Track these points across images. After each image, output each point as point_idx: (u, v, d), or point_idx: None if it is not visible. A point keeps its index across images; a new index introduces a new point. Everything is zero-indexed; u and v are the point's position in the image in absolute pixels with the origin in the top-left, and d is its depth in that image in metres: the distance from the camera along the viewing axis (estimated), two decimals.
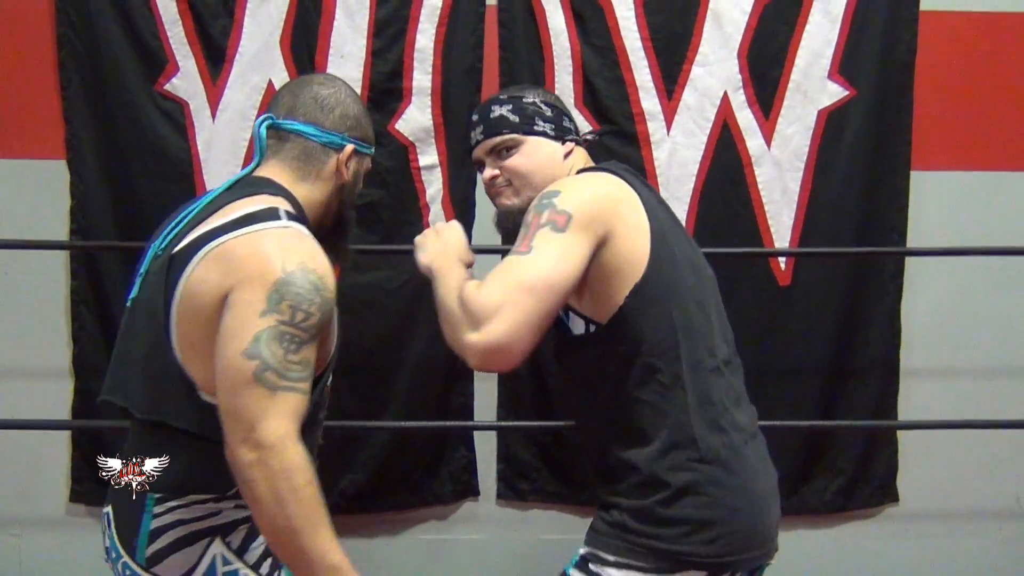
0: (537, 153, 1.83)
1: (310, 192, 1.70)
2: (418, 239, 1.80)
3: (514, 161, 1.83)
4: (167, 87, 2.94)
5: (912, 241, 3.10)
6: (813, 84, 3.03)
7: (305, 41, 2.95)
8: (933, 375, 3.17)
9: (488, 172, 1.87)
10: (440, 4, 2.95)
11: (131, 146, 2.94)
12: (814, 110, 3.04)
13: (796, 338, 3.09)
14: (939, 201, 3.13)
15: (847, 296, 3.11)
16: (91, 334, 3.00)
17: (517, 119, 1.84)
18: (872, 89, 3.04)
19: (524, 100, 1.86)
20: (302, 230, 1.59)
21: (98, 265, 2.98)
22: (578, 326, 1.67)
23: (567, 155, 1.85)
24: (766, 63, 3.03)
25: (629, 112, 3.00)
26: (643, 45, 3.00)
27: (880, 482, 3.17)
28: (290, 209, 1.62)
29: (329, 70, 2.93)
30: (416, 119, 2.99)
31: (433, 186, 3.02)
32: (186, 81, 2.95)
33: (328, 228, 1.75)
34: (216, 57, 2.94)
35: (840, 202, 3.07)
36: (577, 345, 1.69)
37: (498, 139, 1.84)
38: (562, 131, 1.86)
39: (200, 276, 1.52)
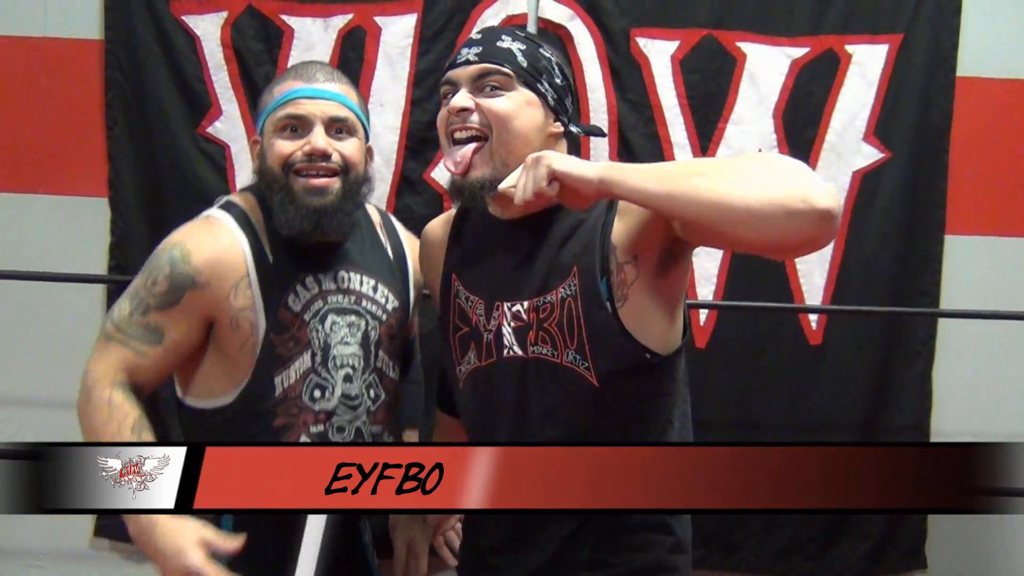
0: (526, 113, 1.52)
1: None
2: (547, 160, 1.40)
3: (502, 105, 1.50)
4: (209, 130, 3.00)
5: (944, 306, 3.08)
6: (848, 145, 3.04)
7: None
8: (965, 440, 3.14)
9: (461, 100, 1.52)
10: None
11: (172, 186, 3.00)
12: (849, 171, 3.05)
13: (826, 399, 3.06)
14: (973, 266, 3.12)
15: (878, 358, 3.09)
16: None
17: (526, 63, 1.53)
18: (907, 152, 3.05)
19: (540, 50, 1.57)
20: (213, 216, 1.71)
21: None
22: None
23: (551, 136, 1.56)
24: (801, 123, 3.05)
25: None
26: (679, 102, 3.03)
27: (908, 547, 3.12)
28: (236, 200, 1.75)
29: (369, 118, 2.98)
30: None
31: None
32: (228, 125, 3.00)
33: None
34: (259, 103, 3.00)
35: (873, 264, 3.06)
36: (642, 371, 1.49)
37: (493, 68, 1.51)
38: (561, 107, 1.57)
39: None
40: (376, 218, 1.91)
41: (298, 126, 1.67)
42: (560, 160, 1.39)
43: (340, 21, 2.98)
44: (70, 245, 3.05)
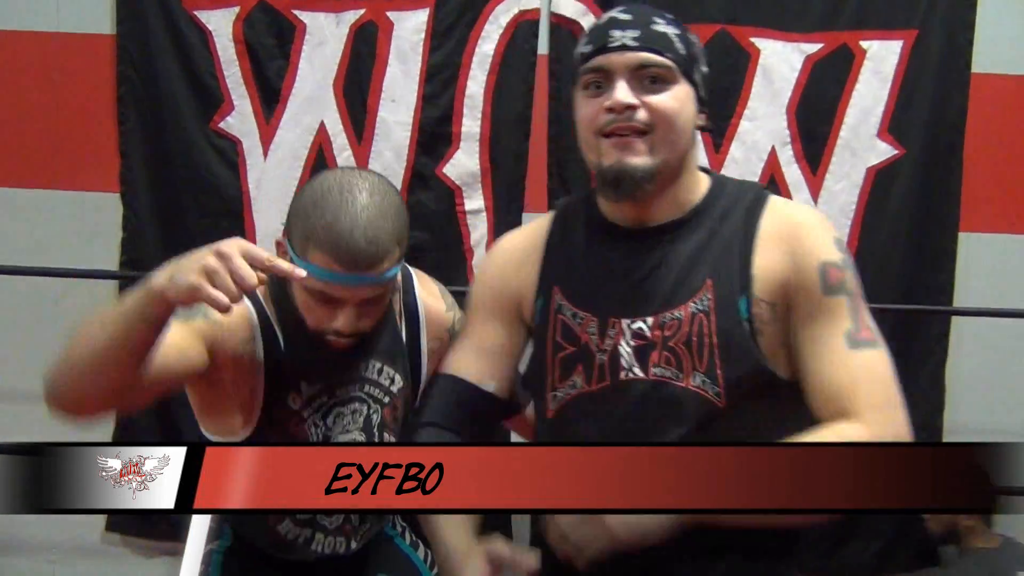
0: (687, 109, 1.36)
1: None
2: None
3: (668, 103, 1.33)
4: (221, 125, 3.00)
5: (958, 303, 3.07)
6: (862, 142, 3.03)
7: (358, 85, 3.00)
8: (977, 437, 3.12)
9: (626, 96, 1.32)
10: (491, 52, 2.99)
11: (184, 181, 3.01)
12: (862, 167, 3.04)
13: None
14: (987, 263, 3.11)
15: (891, 355, 3.06)
16: None
17: (684, 52, 1.36)
18: (921, 149, 3.03)
19: (689, 36, 1.39)
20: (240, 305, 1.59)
21: None
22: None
23: (696, 129, 1.41)
24: (815, 119, 3.03)
25: None
26: None
27: (921, 545, 3.11)
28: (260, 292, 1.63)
29: (380, 114, 2.98)
30: (464, 164, 3.02)
31: (478, 230, 3.04)
32: (240, 120, 3.01)
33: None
34: (270, 98, 3.00)
35: (886, 260, 3.05)
36: (769, 392, 1.37)
37: (658, 60, 1.33)
38: (707, 100, 1.41)
39: None
40: None
41: (330, 300, 1.54)
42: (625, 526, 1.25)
43: (352, 16, 2.98)
44: (82, 240, 3.05)
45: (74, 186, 3.07)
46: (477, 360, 1.54)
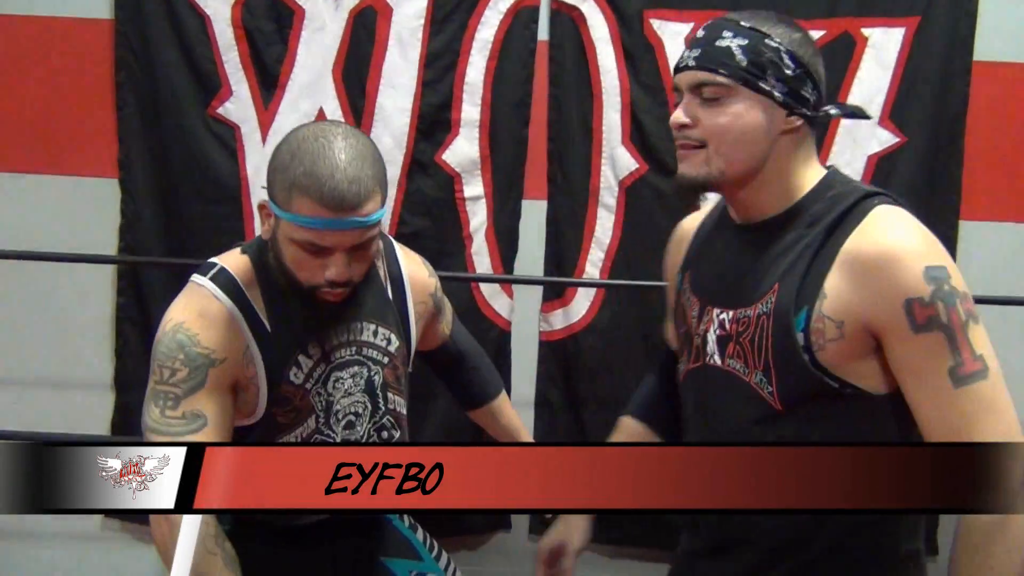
0: (744, 121, 1.41)
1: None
2: None
3: (717, 121, 1.42)
4: (220, 111, 2.98)
5: None
6: (863, 129, 3.01)
7: (357, 70, 2.99)
8: None
9: (679, 117, 1.45)
10: (491, 38, 2.97)
11: (182, 167, 2.99)
12: (863, 155, 3.03)
13: None
14: (987, 251, 3.10)
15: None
16: (133, 351, 3.03)
17: (745, 61, 1.40)
18: (923, 137, 3.02)
19: (767, 41, 1.42)
20: (205, 288, 1.63)
21: (144, 283, 3.02)
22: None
23: (786, 132, 1.44)
24: None
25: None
26: None
27: None
28: (226, 266, 1.66)
29: (380, 100, 2.97)
30: (463, 150, 3.01)
31: (477, 217, 3.03)
32: (238, 105, 2.99)
33: (290, 289, 1.67)
34: (269, 83, 2.98)
35: None
36: (829, 400, 1.38)
37: (706, 77, 1.42)
38: (796, 100, 1.43)
39: None
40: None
41: (320, 250, 1.57)
42: None
43: (351, 1, 2.96)
44: (80, 225, 3.04)
45: (72, 171, 3.06)
46: (670, 324, 1.79)
